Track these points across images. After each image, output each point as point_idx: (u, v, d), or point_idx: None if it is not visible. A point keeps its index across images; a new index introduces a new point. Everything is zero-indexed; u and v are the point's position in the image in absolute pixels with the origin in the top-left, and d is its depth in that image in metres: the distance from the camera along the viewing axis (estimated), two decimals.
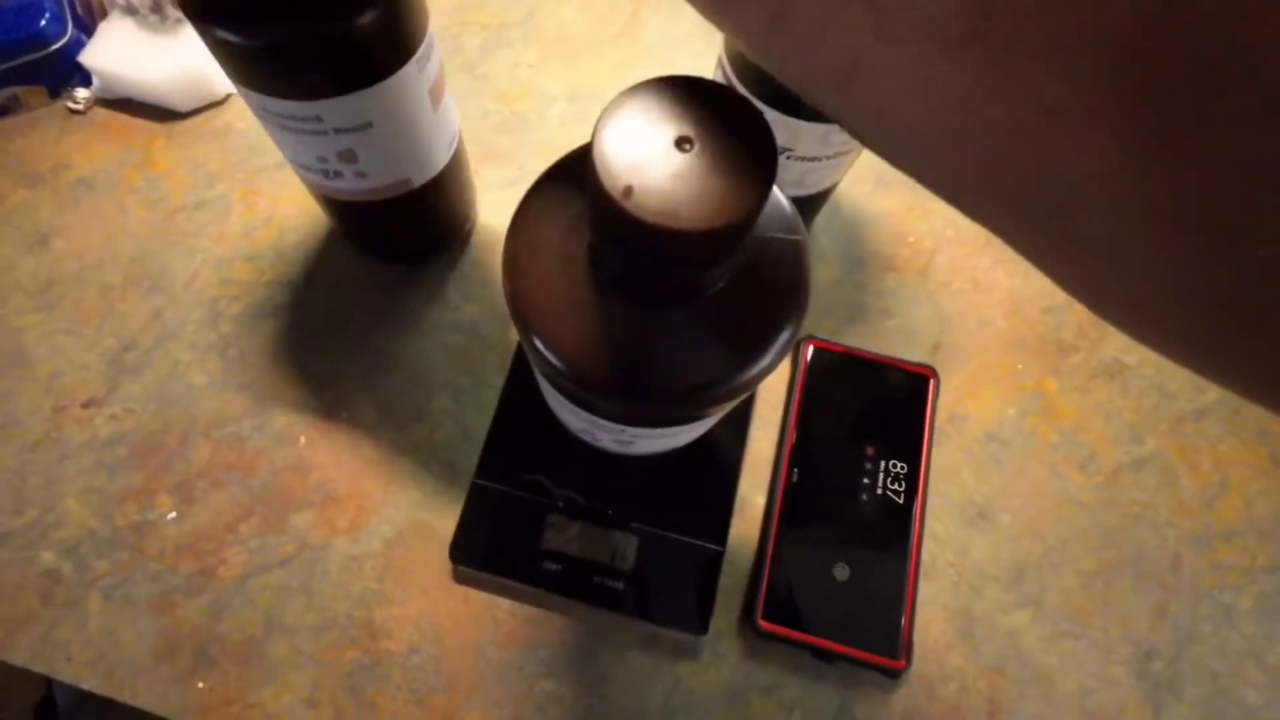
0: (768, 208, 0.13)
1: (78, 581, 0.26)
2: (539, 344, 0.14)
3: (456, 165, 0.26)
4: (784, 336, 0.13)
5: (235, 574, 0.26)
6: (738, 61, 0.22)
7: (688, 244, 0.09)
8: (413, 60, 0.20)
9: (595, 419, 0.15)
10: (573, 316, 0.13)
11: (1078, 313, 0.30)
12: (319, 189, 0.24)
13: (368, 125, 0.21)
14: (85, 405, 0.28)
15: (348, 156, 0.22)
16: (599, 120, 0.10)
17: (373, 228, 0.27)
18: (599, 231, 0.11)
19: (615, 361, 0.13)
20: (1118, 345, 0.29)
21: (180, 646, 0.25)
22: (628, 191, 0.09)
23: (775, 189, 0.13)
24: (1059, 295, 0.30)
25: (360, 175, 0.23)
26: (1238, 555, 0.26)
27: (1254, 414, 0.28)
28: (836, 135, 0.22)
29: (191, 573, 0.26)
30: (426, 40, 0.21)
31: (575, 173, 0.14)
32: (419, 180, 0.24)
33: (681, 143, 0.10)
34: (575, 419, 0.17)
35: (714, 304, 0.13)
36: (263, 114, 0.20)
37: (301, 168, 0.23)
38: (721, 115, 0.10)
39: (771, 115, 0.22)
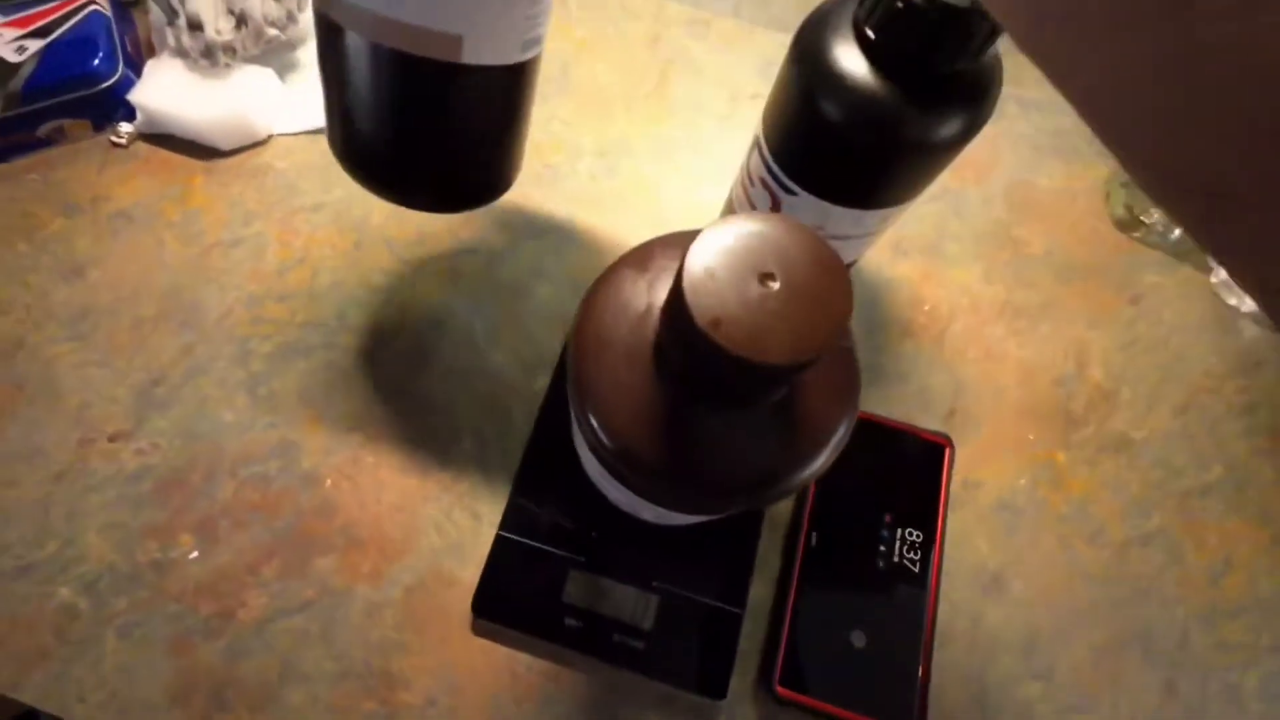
0: None
1: (95, 619, 0.26)
2: (595, 423, 0.14)
3: (519, 89, 0.19)
4: (837, 438, 0.14)
5: (254, 617, 0.26)
6: (775, 145, 0.23)
7: (769, 373, 0.10)
8: None
9: (640, 499, 0.16)
10: (633, 406, 0.14)
11: (1087, 386, 0.31)
12: (333, 7, 0.16)
13: None
14: (112, 438, 0.29)
15: None
16: (688, 253, 0.11)
17: (379, 109, 0.18)
18: (682, 353, 0.12)
19: (671, 454, 0.14)
20: (1125, 420, 0.30)
21: (195, 689, 0.25)
22: (716, 323, 0.10)
23: None
24: (1068, 367, 0.31)
25: None
26: (1243, 634, 0.27)
27: (1258, 493, 0.29)
28: (869, 218, 0.23)
29: (210, 614, 0.26)
30: None
31: (642, 265, 0.15)
32: (469, 53, 0.16)
33: (765, 278, 0.11)
34: (619, 494, 0.17)
35: (771, 407, 0.13)
36: None
37: None
38: (797, 251, 0.11)
39: (805, 197, 0.23)
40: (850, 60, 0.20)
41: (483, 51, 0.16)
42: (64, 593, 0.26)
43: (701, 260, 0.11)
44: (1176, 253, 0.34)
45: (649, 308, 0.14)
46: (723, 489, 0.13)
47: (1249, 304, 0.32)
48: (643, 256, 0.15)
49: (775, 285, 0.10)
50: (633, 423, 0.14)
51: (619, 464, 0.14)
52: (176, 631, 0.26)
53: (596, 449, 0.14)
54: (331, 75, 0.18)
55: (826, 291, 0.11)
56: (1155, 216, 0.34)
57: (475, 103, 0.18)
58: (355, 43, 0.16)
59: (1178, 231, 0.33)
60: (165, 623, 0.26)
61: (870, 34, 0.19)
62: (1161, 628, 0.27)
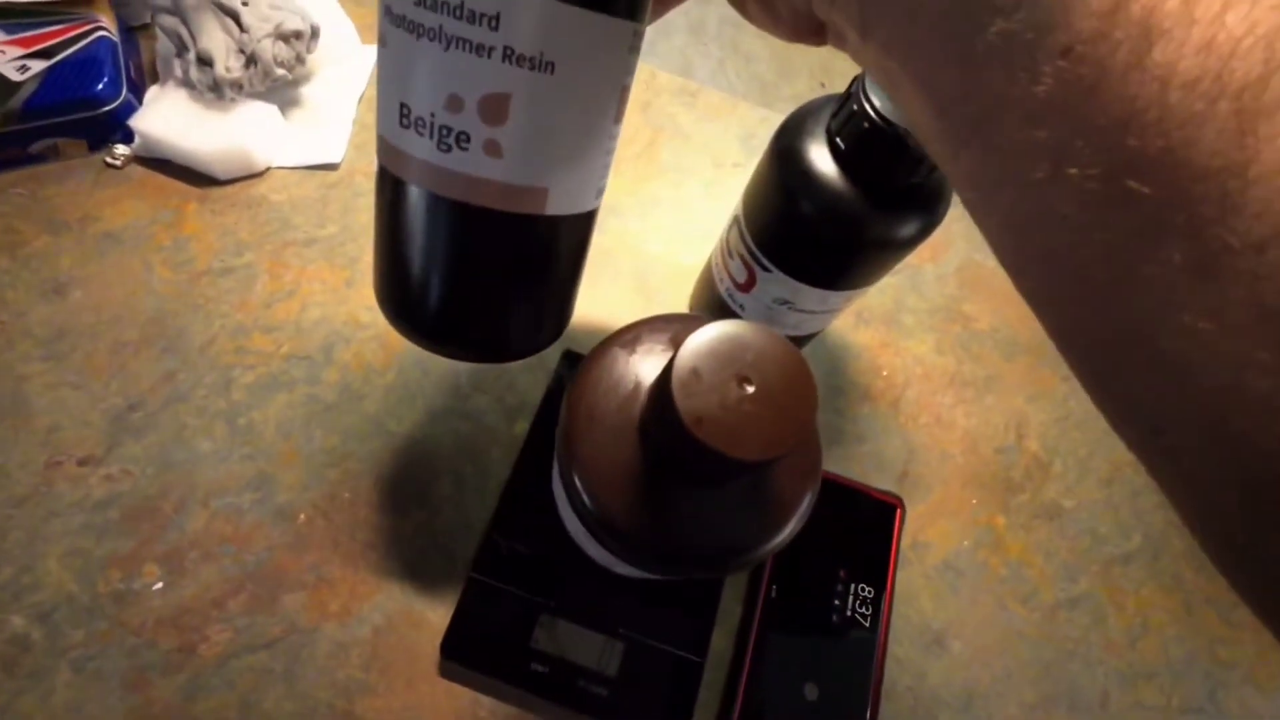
0: None
1: (48, 650, 0.25)
2: (581, 490, 0.16)
3: (586, 236, 0.19)
4: (800, 511, 0.15)
5: (217, 653, 0.26)
6: (754, 227, 0.26)
7: (743, 467, 0.12)
8: (631, 30, 0.15)
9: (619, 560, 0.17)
10: (617, 477, 0.15)
11: (1025, 456, 0.34)
12: (414, 168, 0.15)
13: (549, 66, 0.14)
14: (81, 462, 0.28)
15: (493, 109, 0.14)
16: (677, 355, 0.12)
17: (447, 264, 0.17)
18: (667, 440, 0.13)
19: (650, 523, 0.15)
20: (1058, 489, 0.33)
21: None
22: (699, 421, 0.12)
23: None
24: (1010, 437, 0.34)
25: (492, 152, 0.15)
26: (1156, 695, 0.29)
27: (1171, 562, 0.32)
28: (834, 297, 0.26)
29: (171, 648, 0.26)
30: (644, 30, 0.16)
31: (631, 346, 0.16)
32: (553, 205, 0.16)
33: (742, 381, 0.12)
34: (596, 551, 0.18)
35: (743, 485, 0.15)
36: (412, 7, 0.14)
37: (410, 124, 0.15)
38: (770, 356, 0.13)
39: (778, 275, 0.25)
40: (823, 163, 0.22)
41: (564, 202, 0.16)
42: (16, 622, 0.25)
43: (688, 362, 0.12)
44: None
45: (636, 386, 0.16)
46: (696, 557, 0.15)
47: None
48: (632, 337, 0.17)
49: (751, 389, 0.12)
50: (616, 492, 0.15)
51: (600, 529, 0.15)
52: (133, 666, 0.25)
53: (580, 513, 0.16)
54: (392, 229, 0.17)
55: (795, 394, 0.12)
56: None
57: (548, 253, 0.18)
58: (429, 200, 0.16)
59: None
60: (123, 656, 0.25)
61: (840, 144, 0.22)
62: (1086, 687, 0.29)
